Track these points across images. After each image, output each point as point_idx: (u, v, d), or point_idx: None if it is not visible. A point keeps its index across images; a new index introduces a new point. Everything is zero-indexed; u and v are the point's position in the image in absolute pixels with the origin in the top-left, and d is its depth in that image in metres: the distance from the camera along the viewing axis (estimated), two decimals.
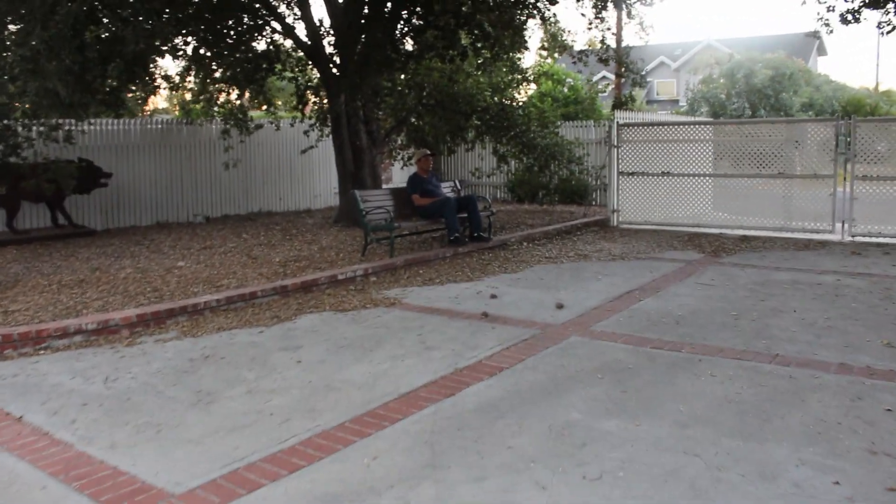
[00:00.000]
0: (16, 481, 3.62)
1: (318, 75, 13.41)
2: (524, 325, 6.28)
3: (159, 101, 35.85)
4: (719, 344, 5.62)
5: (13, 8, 8.29)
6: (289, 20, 13.14)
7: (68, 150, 12.09)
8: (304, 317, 6.79)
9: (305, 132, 13.90)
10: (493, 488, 3.41)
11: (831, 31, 10.49)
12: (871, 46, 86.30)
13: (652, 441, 3.88)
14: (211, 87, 13.86)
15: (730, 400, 4.44)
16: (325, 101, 13.42)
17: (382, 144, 13.81)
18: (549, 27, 15.62)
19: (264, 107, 14.84)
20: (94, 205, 13.21)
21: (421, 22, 11.91)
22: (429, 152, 10.97)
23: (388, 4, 12.07)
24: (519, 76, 15.07)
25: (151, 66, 12.36)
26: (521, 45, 12.85)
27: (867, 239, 10.82)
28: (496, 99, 13.90)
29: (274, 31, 13.24)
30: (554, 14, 13.73)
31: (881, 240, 10.71)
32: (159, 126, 14.57)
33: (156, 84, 12.49)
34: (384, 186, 15.75)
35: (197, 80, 13.71)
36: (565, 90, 20.61)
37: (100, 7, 8.04)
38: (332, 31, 12.87)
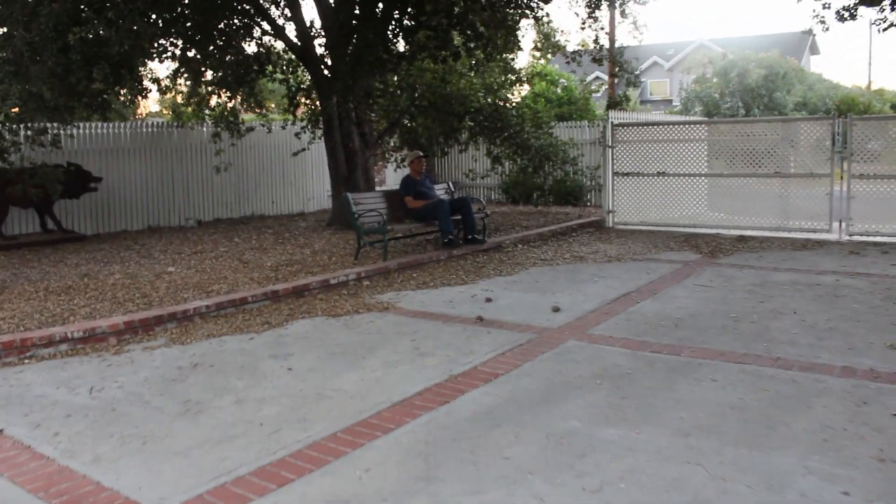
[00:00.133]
0: None
1: (310, 77, 13.26)
2: (520, 330, 6.16)
3: (152, 104, 35.69)
4: (719, 347, 5.51)
5: None
6: (279, 21, 13.01)
7: (57, 155, 11.94)
8: (295, 323, 6.66)
9: (297, 134, 13.77)
10: (489, 502, 3.29)
11: (827, 29, 10.45)
12: (862, 45, 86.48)
13: (653, 450, 3.76)
14: (201, 90, 13.72)
15: (732, 406, 4.33)
16: (317, 103, 13.28)
17: (375, 146, 13.69)
18: (541, 27, 15.53)
19: (258, 110, 14.71)
20: (84, 209, 13.04)
21: (413, 22, 11.78)
22: (422, 154, 10.85)
23: (380, 5, 11.95)
24: (512, 77, 14.96)
25: (141, 68, 12.21)
26: (515, 45, 12.74)
27: (865, 238, 10.73)
28: (489, 100, 13.79)
29: (264, 32, 13.11)
30: (547, 13, 13.66)
31: (879, 239, 10.62)
32: (150, 129, 14.41)
33: (143, 87, 12.32)
34: (377, 189, 15.63)
35: (187, 83, 13.56)
36: (559, 91, 20.51)
37: (83, 8, 7.87)
38: (322, 32, 12.74)
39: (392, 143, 15.47)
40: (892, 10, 10.31)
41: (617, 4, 14.08)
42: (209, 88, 13.61)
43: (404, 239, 10.86)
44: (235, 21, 12.37)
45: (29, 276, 8.91)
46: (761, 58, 32.86)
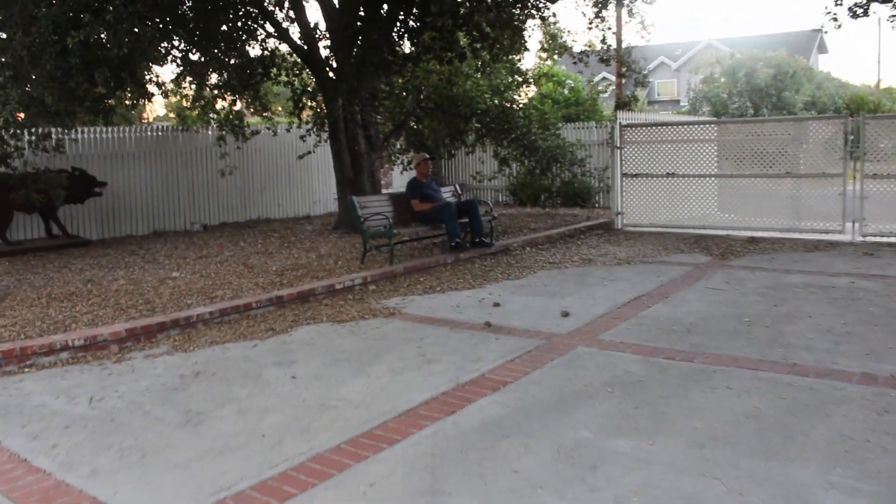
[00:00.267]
0: None
1: (314, 79, 13.16)
2: (529, 336, 6.03)
3: (158, 108, 35.73)
4: (733, 353, 5.37)
5: None
6: (283, 23, 12.92)
7: (61, 160, 11.88)
8: (300, 329, 6.55)
9: (302, 137, 13.68)
10: None
11: (839, 26, 10.26)
12: (871, 44, 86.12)
13: (667, 462, 3.63)
14: (206, 93, 13.64)
15: (748, 415, 4.19)
16: (322, 105, 13.19)
17: (381, 149, 13.59)
18: (548, 27, 15.41)
19: (265, 113, 14.63)
20: (89, 214, 12.99)
21: (418, 23, 11.67)
22: (428, 156, 10.73)
23: (385, 6, 11.85)
24: (519, 78, 14.84)
25: (146, 72, 12.15)
26: (521, 45, 12.61)
27: (879, 239, 10.55)
28: (496, 101, 13.67)
29: (268, 34, 13.02)
30: (553, 13, 13.48)
31: (893, 240, 10.44)
32: (155, 133, 14.35)
33: (146, 90, 12.24)
34: (384, 191, 15.52)
35: (192, 86, 13.50)
36: (565, 92, 20.38)
37: (82, 13, 7.75)
38: (327, 34, 12.65)
39: (398, 146, 15.35)
40: None
41: (625, 3, 13.94)
42: (214, 92, 13.53)
43: (411, 242, 10.74)
44: (239, 24, 12.28)
45: (32, 281, 8.83)
46: (769, 57, 32.62)
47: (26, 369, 5.56)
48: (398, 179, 18.81)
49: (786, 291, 7.39)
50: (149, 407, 4.68)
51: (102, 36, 7.72)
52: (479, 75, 14.03)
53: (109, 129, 13.55)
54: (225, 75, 13.08)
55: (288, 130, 15.22)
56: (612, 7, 13.39)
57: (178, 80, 13.29)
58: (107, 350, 5.95)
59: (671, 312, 6.67)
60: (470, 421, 4.24)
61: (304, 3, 12.74)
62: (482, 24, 10.85)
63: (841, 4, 10.13)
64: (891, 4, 10.03)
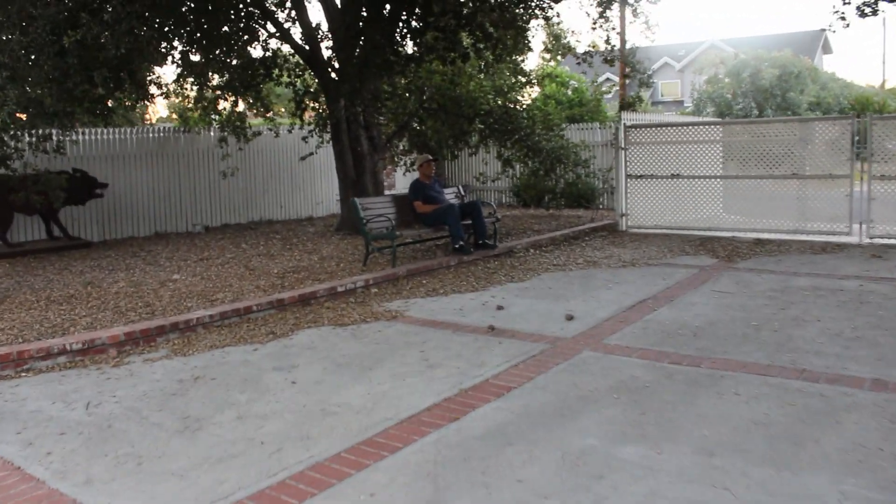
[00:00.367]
0: None
1: (317, 80, 13.09)
2: (533, 340, 5.94)
3: (162, 110, 35.71)
4: (741, 358, 5.27)
5: None
6: (285, 24, 12.84)
7: (63, 161, 11.82)
8: (301, 332, 6.47)
9: (304, 138, 13.61)
10: None
11: (847, 25, 10.15)
12: (874, 44, 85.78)
13: (675, 471, 3.54)
14: (208, 94, 13.58)
15: (757, 422, 4.10)
16: (325, 106, 13.12)
17: (384, 150, 13.51)
18: (551, 28, 15.32)
19: (268, 114, 14.57)
20: (90, 216, 12.93)
21: (421, 23, 11.59)
22: (431, 157, 10.65)
23: (387, 6, 11.77)
24: (522, 79, 14.75)
25: (147, 73, 12.08)
26: (524, 45, 12.52)
27: (887, 241, 10.44)
28: (499, 102, 13.58)
29: (270, 35, 12.94)
30: (557, 13, 13.38)
31: None
32: (156, 135, 14.29)
33: (146, 91, 12.16)
34: (386, 193, 15.44)
35: (194, 87, 13.43)
36: (569, 93, 20.29)
37: (80, 12, 7.65)
38: (329, 35, 12.57)
39: (401, 147, 15.28)
40: None
41: (629, 3, 13.84)
42: (216, 93, 13.47)
43: (413, 244, 10.66)
44: (240, 24, 12.21)
45: (32, 284, 8.77)
46: (774, 57, 32.49)
47: (23, 374, 5.49)
48: (401, 181, 18.74)
49: (794, 294, 7.29)
50: (146, 413, 4.60)
51: (102, 37, 7.62)
52: (482, 76, 13.94)
53: (111, 130, 13.50)
54: (227, 76, 13.02)
55: (290, 131, 15.12)
56: (616, 7, 13.32)
57: (178, 81, 13.22)
58: (105, 354, 5.88)
59: (677, 316, 6.58)
60: (473, 428, 4.16)
61: (305, 3, 12.67)
62: (485, 24, 10.77)
63: (849, 3, 10.02)
64: None
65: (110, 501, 3.46)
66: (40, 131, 9.55)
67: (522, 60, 14.55)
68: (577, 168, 13.36)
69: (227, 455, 3.93)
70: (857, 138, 10.63)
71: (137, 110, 22.85)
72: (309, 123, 13.93)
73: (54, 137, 10.25)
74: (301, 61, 13.31)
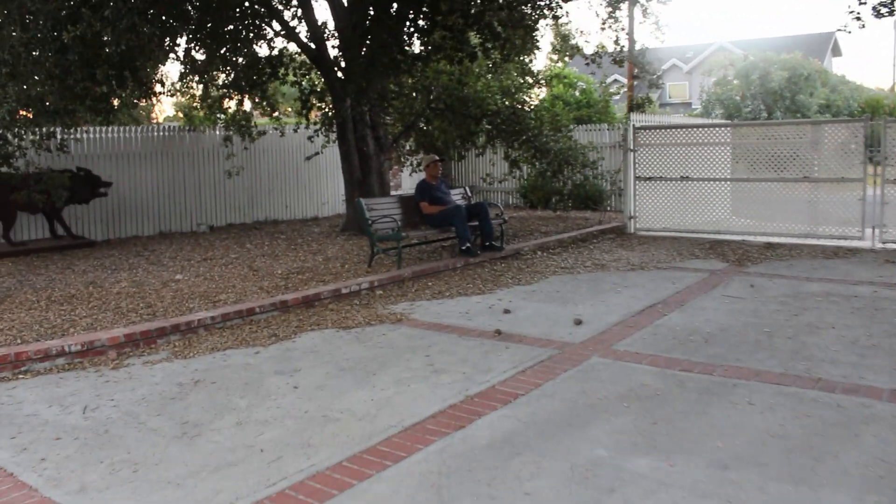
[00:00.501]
0: None
1: (323, 79, 12.98)
2: (540, 345, 5.81)
3: (168, 109, 35.70)
4: (755, 366, 5.14)
5: None
6: (291, 22, 12.73)
7: (67, 160, 11.74)
8: (304, 335, 6.35)
9: (310, 138, 13.51)
10: None
11: (863, 26, 9.98)
12: (885, 47, 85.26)
13: (689, 485, 3.41)
14: (214, 93, 13.49)
15: (773, 434, 3.96)
16: (331, 105, 13.01)
17: (390, 150, 13.39)
18: (560, 28, 15.18)
19: (274, 114, 14.47)
20: (94, 215, 12.85)
21: (428, 23, 11.46)
22: (437, 158, 10.51)
23: (394, 5, 11.65)
24: (530, 79, 14.62)
25: (151, 71, 11.99)
26: (533, 45, 12.38)
27: None
28: (506, 102, 13.45)
29: (276, 33, 12.84)
30: (566, 12, 13.25)
31: None
32: (161, 133, 14.20)
33: (151, 89, 12.06)
34: (393, 193, 15.33)
35: (199, 86, 13.34)
36: (577, 94, 20.15)
37: (82, 7, 7.53)
38: (336, 34, 12.46)
39: (407, 147, 15.16)
40: None
41: (639, 2, 13.69)
42: (221, 91, 13.38)
43: (419, 246, 10.54)
44: (246, 22, 12.10)
45: (34, 283, 8.68)
46: (784, 59, 32.29)
47: (20, 376, 5.38)
48: (407, 181, 18.63)
49: (807, 300, 7.14)
50: (144, 418, 4.49)
51: (104, 33, 7.51)
52: (489, 76, 13.82)
53: (115, 128, 13.42)
54: (232, 75, 12.92)
55: (295, 131, 15.05)
56: (625, 7, 13.17)
57: (182, 79, 13.12)
58: (104, 356, 5.77)
59: (688, 321, 6.44)
60: (479, 437, 4.03)
61: (312, 1, 12.56)
62: (493, 23, 10.64)
63: (865, 3, 9.85)
64: None
65: None
66: (43, 129, 9.46)
67: (530, 61, 14.43)
68: (585, 169, 13.22)
69: (226, 463, 3.81)
70: (869, 141, 10.46)
71: (143, 110, 22.81)
72: (315, 123, 13.83)
73: (58, 136, 10.17)
74: (307, 60, 13.21)
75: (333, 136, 13.23)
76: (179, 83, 13.42)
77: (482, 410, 4.42)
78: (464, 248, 9.58)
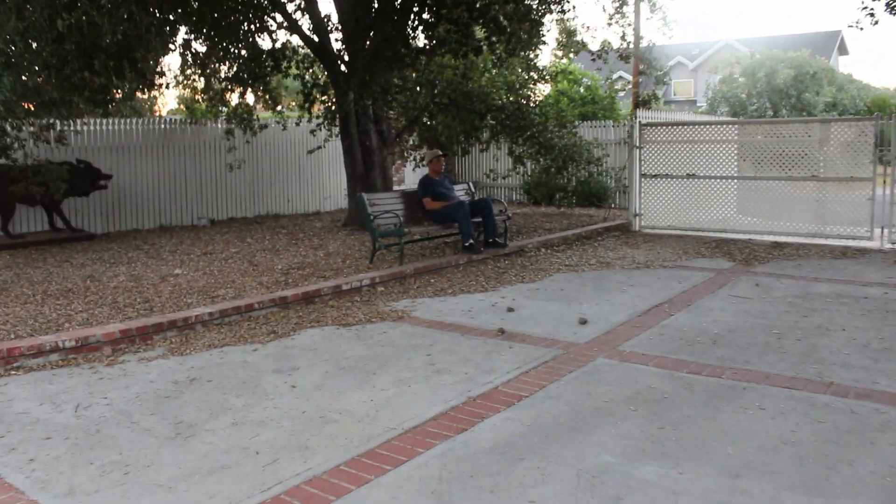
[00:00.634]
0: None
1: (326, 73, 12.84)
2: (545, 344, 5.69)
3: (172, 102, 35.58)
4: (764, 369, 5.01)
5: None
6: (294, 15, 12.59)
7: (68, 152, 11.62)
8: (303, 332, 6.23)
9: (312, 131, 13.37)
10: None
11: (876, 22, 9.80)
12: (891, 46, 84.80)
13: (698, 494, 3.29)
14: (216, 86, 13.36)
15: (785, 441, 3.84)
16: (334, 99, 12.88)
17: (393, 145, 13.25)
18: (565, 23, 15.03)
19: (277, 107, 14.33)
20: (94, 207, 12.73)
21: (433, 16, 11.31)
22: (441, 153, 10.38)
23: None
24: (535, 75, 14.47)
25: (153, 62, 11.85)
26: (539, 40, 12.22)
27: None
28: (511, 98, 13.31)
29: (279, 25, 12.70)
30: (573, 6, 13.07)
31: None
32: (162, 126, 14.08)
33: (151, 81, 11.91)
34: (396, 188, 15.20)
35: (200, 78, 13.21)
36: (581, 90, 19.98)
37: None
38: (339, 27, 12.32)
39: (411, 142, 15.02)
40: None
41: None
42: (223, 84, 13.24)
43: (422, 242, 10.42)
44: (249, 14, 11.95)
45: (31, 276, 8.56)
46: (791, 57, 32.08)
47: (13, 372, 5.26)
48: (410, 176, 18.48)
49: (816, 301, 7.00)
50: (137, 417, 4.37)
51: (100, 21, 7.36)
52: (494, 72, 13.67)
53: (116, 121, 13.30)
54: (234, 67, 12.79)
55: (297, 124, 14.90)
56: (632, 3, 13.03)
57: (182, 70, 12.96)
58: (99, 352, 5.65)
59: (695, 322, 6.31)
60: (482, 440, 3.91)
61: None
62: (499, 16, 10.50)
63: None
64: None
65: None
66: (42, 121, 9.33)
67: (535, 56, 14.28)
68: (590, 166, 13.08)
69: (220, 466, 3.69)
70: (879, 140, 10.30)
71: (145, 102, 22.68)
72: (317, 116, 13.70)
73: (57, 127, 10.03)
74: (310, 53, 13.07)
75: (336, 130, 13.11)
76: (181, 75, 13.26)
77: (485, 413, 4.30)
78: (467, 244, 9.45)
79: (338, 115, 12.55)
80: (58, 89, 8.06)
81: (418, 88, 13.57)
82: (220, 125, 14.28)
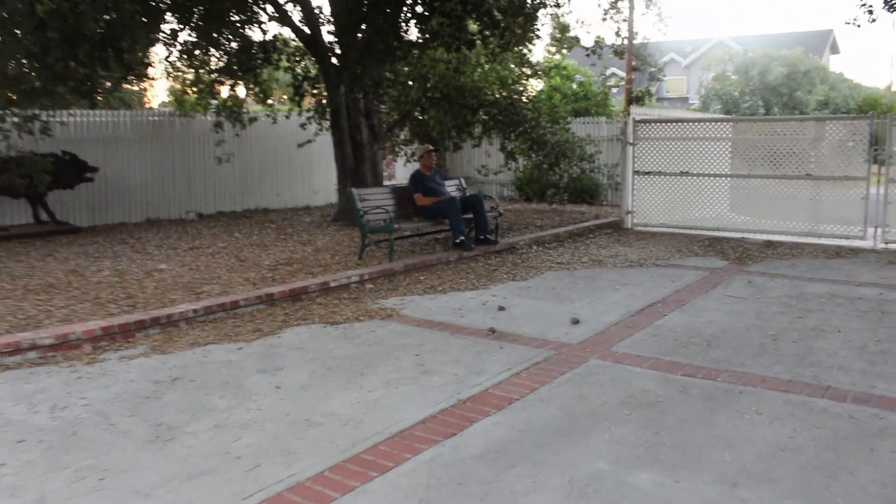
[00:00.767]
0: None
1: (317, 65, 12.67)
2: (536, 345, 5.57)
3: (162, 94, 35.26)
4: (760, 372, 4.90)
5: None
6: (285, 6, 12.40)
7: (53, 143, 11.43)
8: (289, 330, 6.09)
9: (302, 125, 13.20)
10: None
11: (874, 20, 9.70)
12: (881, 45, 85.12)
13: (696, 503, 3.18)
14: (205, 78, 13.16)
15: (783, 447, 3.73)
16: (324, 92, 12.71)
17: (384, 139, 13.10)
18: (560, 18, 14.89)
19: (268, 100, 14.14)
20: (79, 200, 12.53)
21: (426, 8, 11.14)
22: (432, 148, 10.24)
23: None
24: (527, 70, 14.34)
25: (141, 53, 11.65)
26: (533, 34, 12.07)
27: None
28: (504, 93, 13.17)
29: (270, 17, 12.51)
30: (568, 0, 12.92)
31: None
32: (151, 118, 13.88)
33: (139, 72, 11.71)
34: (386, 183, 15.06)
35: (189, 69, 13.01)
36: (574, 86, 19.87)
37: None
38: (331, 19, 12.15)
39: (402, 136, 14.87)
40: None
41: None
42: (213, 76, 13.05)
43: (412, 238, 10.28)
44: (238, 4, 11.75)
45: (13, 271, 8.38)
46: (784, 55, 32.07)
47: None
48: (401, 171, 18.34)
49: (810, 302, 6.91)
50: (116, 419, 4.22)
51: (80, 7, 7.14)
52: (487, 67, 13.53)
53: (103, 112, 13.10)
54: (225, 59, 12.60)
55: (287, 117, 14.72)
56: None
57: (168, 60, 12.74)
58: (79, 350, 5.50)
59: (689, 322, 6.21)
60: (471, 446, 3.79)
61: None
62: (493, 10, 10.35)
63: None
64: None
65: None
66: (26, 111, 9.12)
67: (529, 52, 14.16)
68: (582, 163, 12.97)
69: (200, 471, 3.55)
70: (872, 139, 10.23)
71: (134, 94, 22.42)
72: (308, 110, 13.53)
73: (43, 118, 9.83)
74: (301, 46, 12.89)
75: (327, 123, 12.94)
76: (169, 66, 13.04)
77: (475, 416, 4.17)
78: (458, 241, 9.32)
79: (328, 109, 12.39)
80: (40, 78, 7.86)
81: (410, 82, 13.43)
82: (209, 118, 14.08)
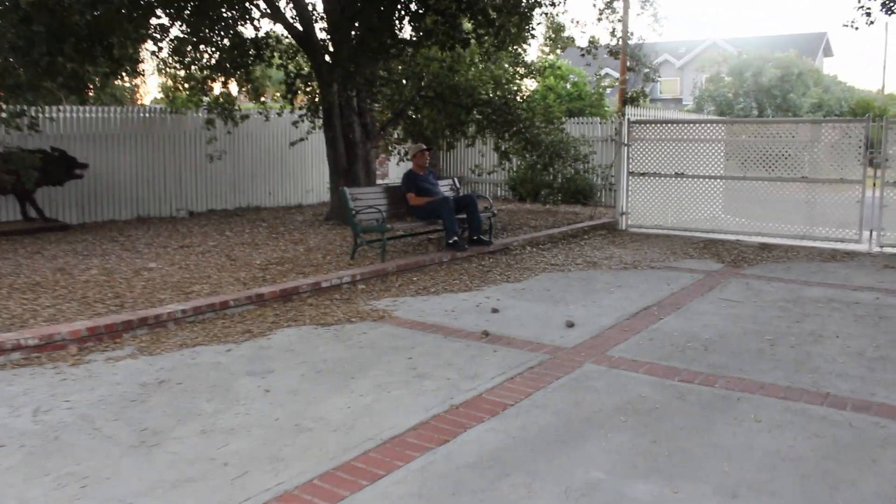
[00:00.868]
0: None
1: (310, 63, 12.55)
2: (530, 348, 5.48)
3: (155, 91, 35.05)
4: (758, 378, 4.83)
5: None
6: (277, 3, 12.28)
7: (42, 139, 11.28)
8: (280, 331, 5.99)
9: (294, 123, 13.08)
10: None
11: (872, 22, 9.66)
12: (874, 49, 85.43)
13: None
14: (197, 74, 13.02)
15: (783, 457, 3.65)
16: (317, 90, 12.59)
17: (377, 138, 12.99)
18: (555, 17, 14.81)
19: (261, 98, 14.01)
20: (69, 197, 12.38)
21: (420, 6, 11.04)
22: (426, 147, 10.13)
23: None
24: (521, 70, 14.25)
25: (131, 49, 11.51)
26: (528, 33, 11.98)
27: None
28: (498, 93, 13.08)
29: (262, 13, 12.38)
30: (563, 0, 12.82)
31: None
32: (142, 115, 13.73)
33: (127, 68, 11.56)
34: (379, 182, 14.95)
35: (180, 66, 12.87)
36: (568, 86, 19.77)
37: None
38: (324, 16, 12.03)
39: (395, 135, 14.76)
40: None
41: None
42: (204, 73, 12.91)
43: (405, 238, 10.18)
44: (231, 0, 11.62)
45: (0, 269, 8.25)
46: (778, 57, 32.09)
47: None
48: (395, 171, 18.23)
49: (807, 306, 6.84)
50: (100, 423, 4.11)
51: (73, 5, 7.02)
52: (481, 66, 13.43)
53: (93, 108, 12.95)
54: (216, 56, 12.47)
55: (279, 115, 14.59)
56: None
57: (156, 55, 12.59)
58: (64, 351, 5.38)
59: (685, 326, 6.13)
60: (465, 453, 3.70)
61: None
62: (488, 8, 10.25)
63: None
64: None
65: None
66: (13, 107, 8.97)
67: (523, 52, 14.06)
68: (577, 163, 12.89)
69: (185, 478, 3.45)
70: (867, 143, 10.18)
71: (126, 91, 22.25)
72: (300, 108, 13.41)
73: (32, 113, 9.68)
74: (294, 43, 12.77)
75: (319, 121, 12.83)
76: (160, 62, 12.91)
77: (468, 422, 4.08)
78: (451, 241, 9.23)
79: (321, 107, 12.27)
80: (26, 73, 7.71)
81: (404, 81, 13.33)
82: (200, 115, 13.95)
